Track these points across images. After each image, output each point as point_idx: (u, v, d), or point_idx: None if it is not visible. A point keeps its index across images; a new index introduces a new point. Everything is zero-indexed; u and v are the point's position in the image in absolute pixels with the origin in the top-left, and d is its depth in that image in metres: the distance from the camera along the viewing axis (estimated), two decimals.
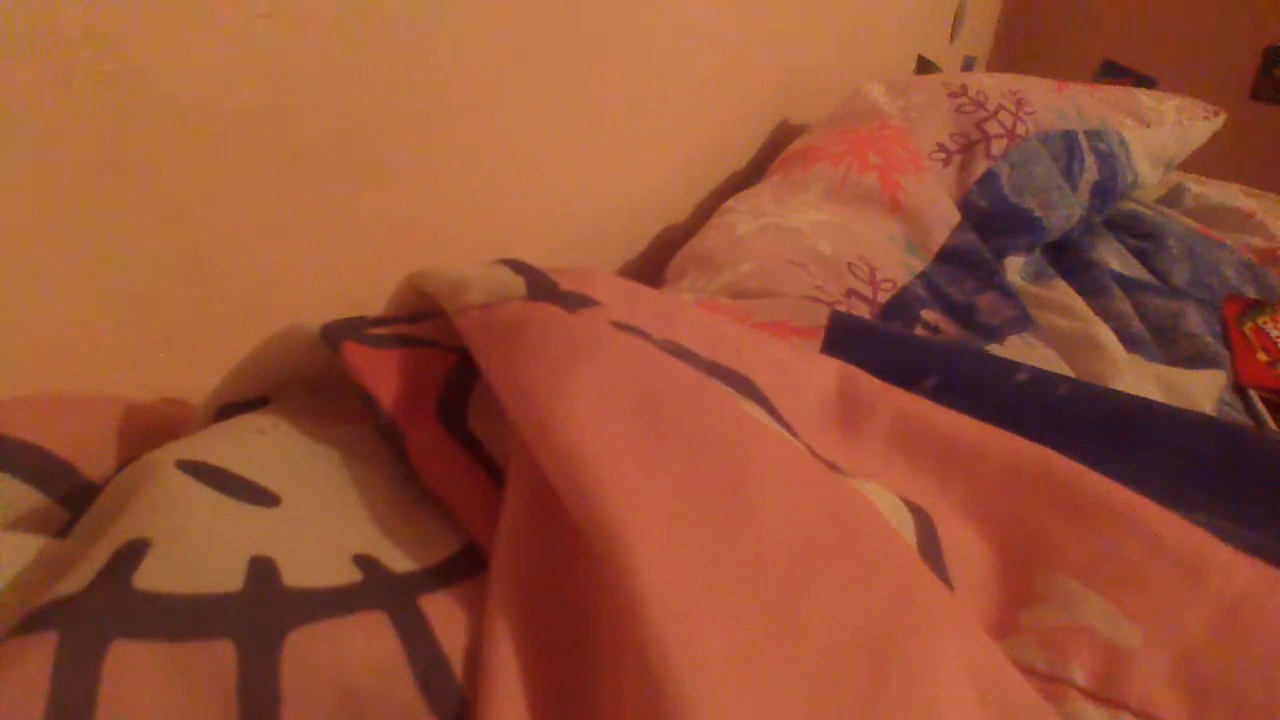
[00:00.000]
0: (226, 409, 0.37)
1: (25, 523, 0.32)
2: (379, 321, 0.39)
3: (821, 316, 0.62)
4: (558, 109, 0.70)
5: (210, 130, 0.43)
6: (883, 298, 0.72)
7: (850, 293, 0.70)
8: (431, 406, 0.35)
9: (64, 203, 0.38)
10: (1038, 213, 0.89)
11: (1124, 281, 0.89)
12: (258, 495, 0.29)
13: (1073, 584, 0.37)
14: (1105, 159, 0.98)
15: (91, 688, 0.22)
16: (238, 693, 0.23)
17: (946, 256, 0.82)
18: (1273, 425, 0.70)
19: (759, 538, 0.30)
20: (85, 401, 0.37)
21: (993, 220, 0.87)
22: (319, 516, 0.30)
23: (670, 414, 0.32)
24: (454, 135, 0.60)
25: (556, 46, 0.67)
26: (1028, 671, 0.34)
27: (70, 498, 0.33)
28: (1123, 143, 1.01)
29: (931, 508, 0.40)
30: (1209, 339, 0.79)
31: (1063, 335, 0.75)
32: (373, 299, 0.45)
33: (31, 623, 0.23)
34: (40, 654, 0.22)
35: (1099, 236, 1.00)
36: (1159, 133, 1.06)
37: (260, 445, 0.32)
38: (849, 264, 0.73)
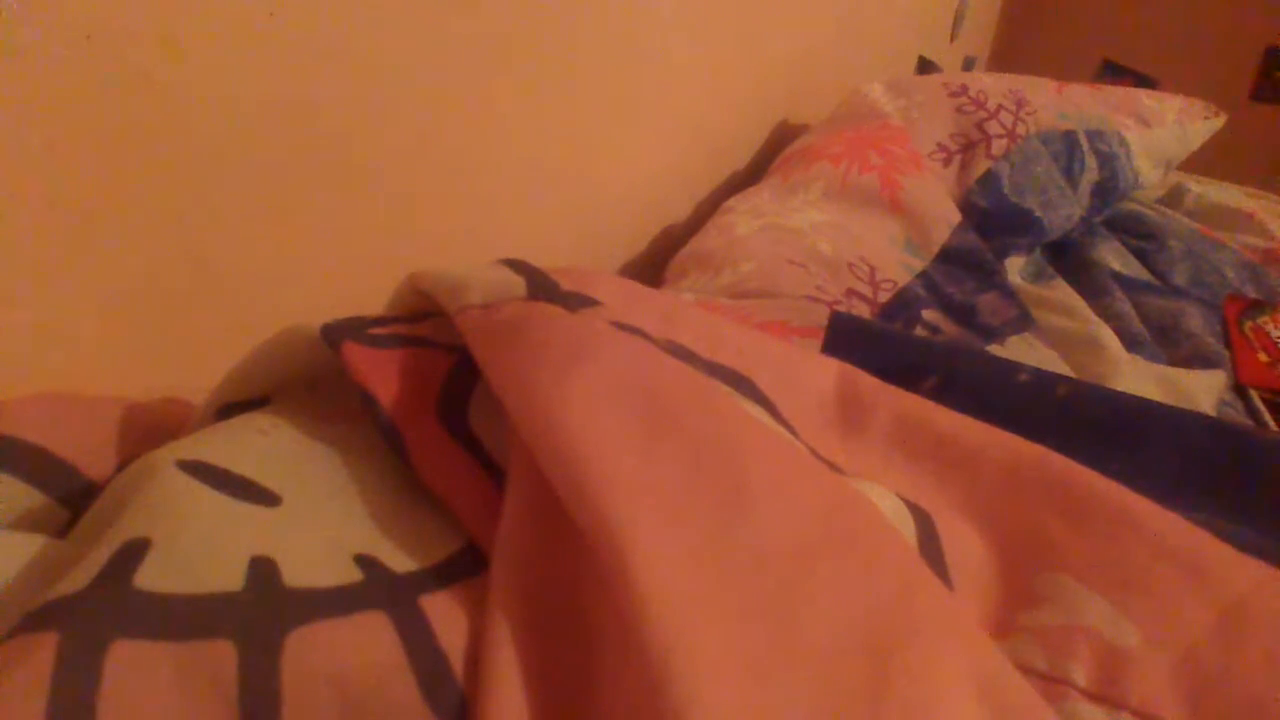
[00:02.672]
0: (227, 409, 0.37)
1: (25, 523, 0.32)
2: (379, 321, 0.39)
3: (822, 316, 0.62)
4: (557, 109, 0.70)
5: (212, 130, 0.43)
6: (883, 298, 0.72)
7: (850, 293, 0.70)
8: (432, 406, 0.35)
9: (65, 202, 0.38)
10: (1038, 213, 0.89)
11: (1124, 282, 0.89)
12: (258, 495, 0.29)
13: (1073, 584, 0.37)
14: (1106, 159, 0.98)
15: (92, 687, 0.22)
16: (238, 692, 0.23)
17: (947, 256, 0.82)
18: (1273, 425, 0.70)
19: (760, 538, 0.30)
20: (85, 401, 0.37)
21: (993, 220, 0.87)
22: (319, 516, 0.30)
23: (671, 414, 0.32)
24: (454, 136, 0.60)
25: (556, 47, 0.67)
26: (1028, 671, 0.34)
27: (70, 498, 0.33)
28: (1123, 143, 1.01)
29: (931, 508, 0.40)
30: (1209, 339, 0.79)
31: (1063, 335, 0.75)
32: (373, 299, 0.45)
33: (32, 622, 0.23)
34: (41, 653, 0.22)
35: (1099, 237, 1.00)
36: (1159, 133, 1.06)
37: (261, 445, 0.32)
38: (849, 264, 0.73)
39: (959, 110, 0.93)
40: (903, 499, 0.39)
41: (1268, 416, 0.71)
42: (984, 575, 0.39)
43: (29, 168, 0.36)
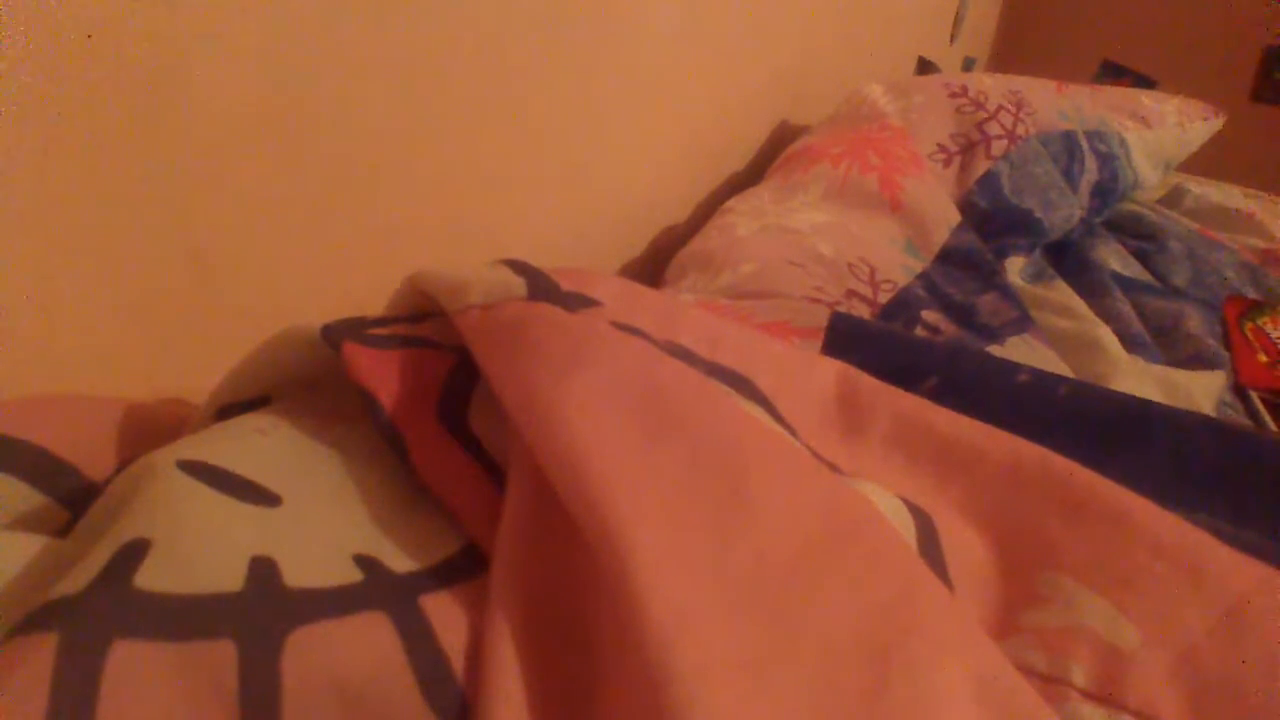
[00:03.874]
0: (227, 409, 0.37)
1: (25, 523, 0.32)
2: (379, 321, 0.39)
3: (822, 317, 0.62)
4: (558, 110, 0.70)
5: (214, 129, 0.43)
6: (883, 298, 0.72)
7: (850, 293, 0.70)
8: (432, 407, 0.35)
9: (66, 201, 0.38)
10: (1038, 213, 0.89)
11: (1124, 282, 0.89)
12: (258, 495, 0.29)
13: (1072, 585, 0.37)
14: (1105, 160, 0.98)
15: (92, 688, 0.22)
16: (239, 693, 0.23)
17: (947, 257, 0.82)
18: (1273, 426, 0.70)
19: (760, 538, 0.30)
20: (85, 401, 0.37)
21: (993, 221, 0.87)
22: (320, 516, 0.30)
23: (671, 414, 0.32)
24: (454, 137, 0.60)
25: (556, 49, 0.67)
26: (1028, 672, 0.34)
27: (70, 498, 0.33)
28: (1123, 143, 1.01)
29: (931, 508, 0.40)
30: (1209, 340, 0.79)
31: (1063, 336, 0.75)
32: (373, 299, 0.45)
33: (32, 622, 0.23)
34: (41, 654, 0.22)
35: (1099, 237, 1.00)
36: (1159, 133, 1.06)
37: (261, 445, 0.32)
38: (849, 265, 0.73)
39: (959, 111, 0.93)
40: (902, 499, 0.39)
41: (1268, 417, 0.71)
42: (984, 576, 0.39)
43: (28, 167, 0.36)
